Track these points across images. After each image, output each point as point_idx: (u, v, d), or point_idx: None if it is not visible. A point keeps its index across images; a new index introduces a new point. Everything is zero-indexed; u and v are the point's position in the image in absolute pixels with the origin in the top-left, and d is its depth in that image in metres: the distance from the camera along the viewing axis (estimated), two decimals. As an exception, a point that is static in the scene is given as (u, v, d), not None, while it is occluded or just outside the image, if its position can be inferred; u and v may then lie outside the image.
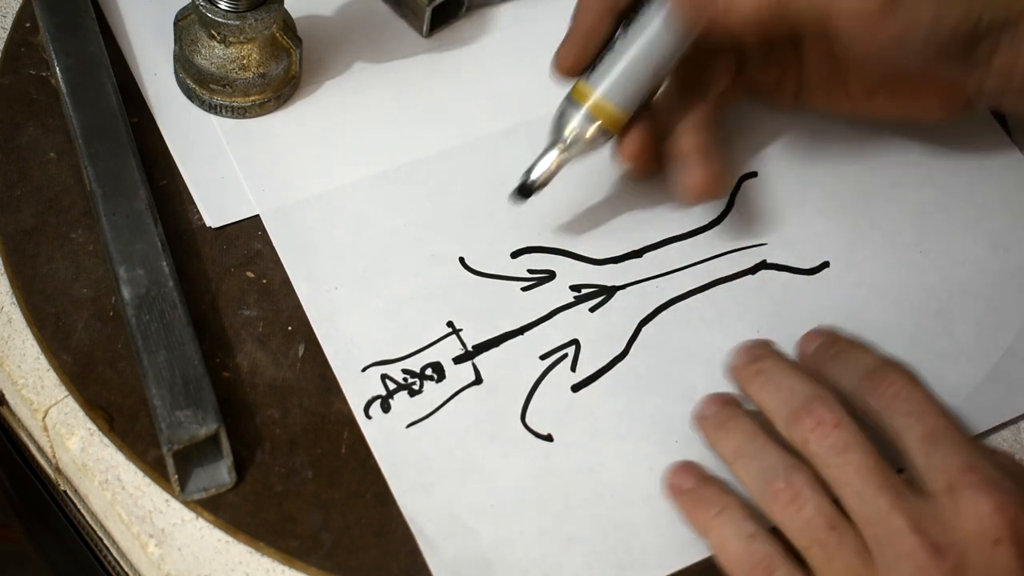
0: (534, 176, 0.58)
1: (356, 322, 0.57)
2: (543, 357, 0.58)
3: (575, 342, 0.58)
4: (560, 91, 0.65)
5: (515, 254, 0.60)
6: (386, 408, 0.56)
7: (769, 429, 0.52)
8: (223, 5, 0.59)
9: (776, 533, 0.51)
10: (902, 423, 0.50)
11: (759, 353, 0.54)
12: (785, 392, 0.51)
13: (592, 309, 0.59)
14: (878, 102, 0.62)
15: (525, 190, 0.58)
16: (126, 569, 0.57)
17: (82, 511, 0.59)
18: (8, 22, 0.64)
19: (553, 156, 0.58)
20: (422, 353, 0.57)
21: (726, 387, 0.57)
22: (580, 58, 0.58)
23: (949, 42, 0.53)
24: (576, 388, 0.57)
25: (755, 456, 0.51)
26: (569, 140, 0.58)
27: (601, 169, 0.63)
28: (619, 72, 0.57)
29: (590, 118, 0.57)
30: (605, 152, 0.63)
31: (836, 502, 0.49)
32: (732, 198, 0.63)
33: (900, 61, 0.55)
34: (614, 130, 0.58)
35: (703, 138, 0.59)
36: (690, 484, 0.53)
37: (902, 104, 0.61)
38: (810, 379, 0.52)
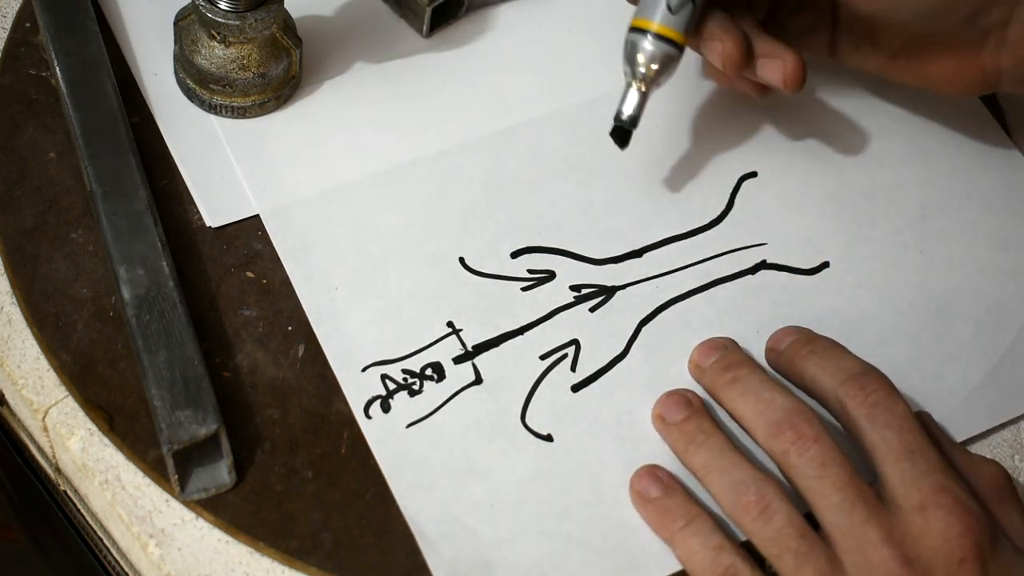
0: (626, 114, 0.57)
1: (356, 322, 0.57)
2: (543, 357, 0.58)
3: (575, 342, 0.58)
4: (558, 91, 0.65)
5: (515, 254, 0.60)
6: (386, 408, 0.56)
7: (735, 440, 0.54)
8: (223, 5, 0.59)
9: (745, 547, 0.52)
10: (881, 435, 0.51)
11: (733, 359, 0.55)
12: (764, 404, 0.52)
13: (592, 309, 0.59)
14: (899, 65, 0.60)
15: (622, 133, 0.58)
16: (126, 569, 0.57)
17: (82, 511, 0.59)
18: (8, 22, 0.64)
19: (634, 90, 0.57)
20: (422, 353, 0.57)
21: (726, 387, 0.57)
22: None
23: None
24: (576, 388, 0.57)
25: (725, 471, 0.52)
26: (644, 68, 0.57)
27: (600, 168, 0.63)
28: None
29: (659, 39, 0.56)
30: (603, 152, 0.63)
31: (806, 516, 0.51)
32: (732, 198, 0.63)
33: (900, 15, 0.55)
34: (683, 41, 0.57)
35: (769, 38, 0.58)
36: (656, 493, 0.53)
37: (921, 71, 0.60)
38: (788, 391, 0.53)
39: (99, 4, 0.64)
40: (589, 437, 0.56)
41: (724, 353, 0.56)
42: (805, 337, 0.56)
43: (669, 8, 0.56)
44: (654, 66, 0.57)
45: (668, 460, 0.55)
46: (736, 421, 0.54)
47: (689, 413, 0.54)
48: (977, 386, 0.58)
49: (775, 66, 0.57)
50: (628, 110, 0.57)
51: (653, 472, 0.54)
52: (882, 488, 0.50)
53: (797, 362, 0.55)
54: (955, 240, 0.62)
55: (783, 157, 0.64)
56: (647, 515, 0.53)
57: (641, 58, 0.57)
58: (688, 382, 0.57)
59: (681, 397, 0.55)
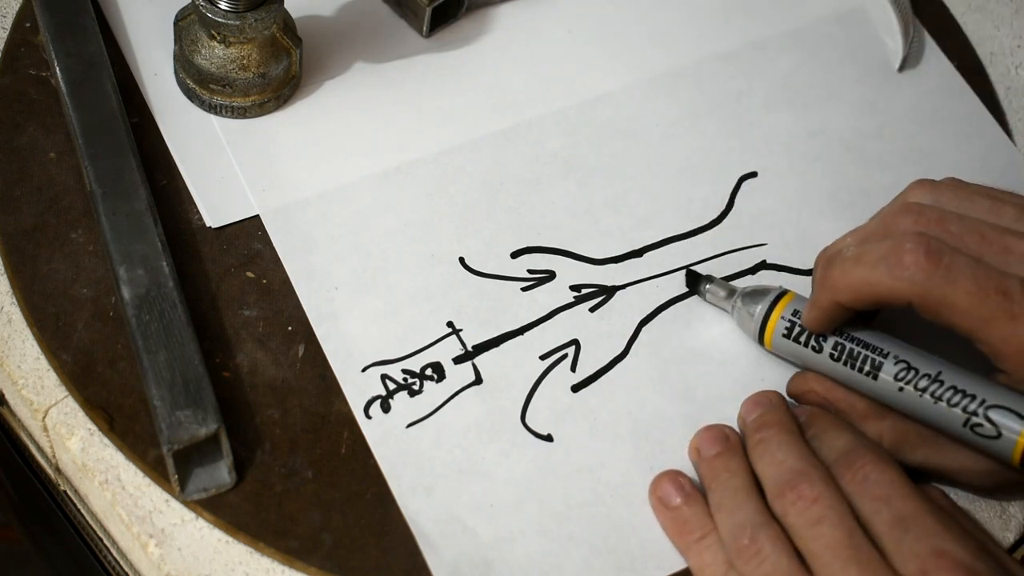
0: (708, 293, 0.59)
1: (356, 322, 0.57)
2: (543, 357, 0.58)
3: (575, 342, 0.58)
4: (558, 91, 0.65)
5: (515, 254, 0.60)
6: (386, 408, 0.56)
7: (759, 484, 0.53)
8: (223, 5, 0.59)
9: None
10: (870, 508, 0.50)
11: (766, 420, 0.54)
12: (776, 466, 0.52)
13: (592, 309, 0.59)
14: None
15: (694, 283, 0.60)
16: (126, 569, 0.57)
17: (82, 511, 0.59)
18: (8, 22, 0.64)
19: (725, 303, 0.58)
20: (422, 353, 0.57)
21: (726, 387, 0.57)
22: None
23: None
24: (576, 388, 0.57)
25: (731, 511, 0.52)
26: (740, 311, 0.57)
27: (601, 168, 0.63)
28: (803, 358, 0.56)
29: (761, 323, 0.56)
30: (603, 152, 0.63)
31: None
32: (732, 198, 0.63)
33: None
34: (767, 344, 0.57)
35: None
36: (676, 501, 0.53)
37: None
38: (801, 453, 0.52)
39: (99, 4, 0.64)
40: (589, 437, 0.56)
41: (762, 412, 0.55)
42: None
43: (815, 348, 0.55)
44: (712, 300, 0.59)
45: (667, 460, 0.55)
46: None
47: (722, 449, 0.54)
48: (977, 386, 0.58)
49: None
50: (709, 296, 0.59)
51: (676, 479, 0.54)
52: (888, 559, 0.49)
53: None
54: (955, 240, 0.62)
55: (783, 157, 0.64)
56: (665, 522, 0.53)
57: (718, 302, 0.58)
58: (688, 382, 0.57)
59: (719, 432, 0.55)
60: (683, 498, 0.53)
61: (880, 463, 0.51)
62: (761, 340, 0.57)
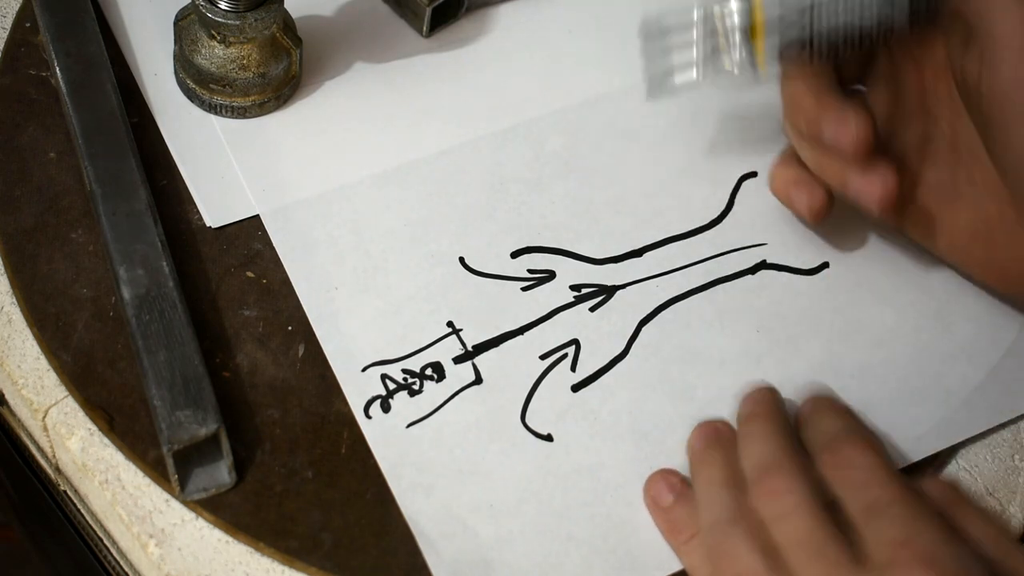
0: (677, 80, 0.54)
1: (356, 322, 0.57)
2: (543, 357, 0.58)
3: (575, 342, 0.58)
4: (558, 91, 0.65)
5: (515, 254, 0.60)
6: (386, 408, 0.56)
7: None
8: (223, 5, 0.59)
9: None
10: (848, 494, 0.50)
11: (752, 412, 0.54)
12: (753, 459, 0.52)
13: (592, 309, 0.59)
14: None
15: (656, 88, 0.55)
16: (126, 569, 0.57)
17: (82, 511, 0.59)
18: (8, 22, 0.64)
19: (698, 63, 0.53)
20: (422, 353, 0.57)
21: (726, 387, 0.57)
22: None
23: None
24: (576, 388, 0.57)
25: (708, 507, 0.52)
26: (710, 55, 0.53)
27: (601, 168, 0.63)
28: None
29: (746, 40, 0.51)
30: (603, 152, 0.63)
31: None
32: (732, 198, 0.63)
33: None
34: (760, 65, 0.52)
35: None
36: (668, 500, 0.53)
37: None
38: (779, 444, 0.52)
39: (99, 4, 0.64)
40: (589, 437, 0.56)
41: (751, 405, 0.55)
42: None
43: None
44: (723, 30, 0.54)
45: (667, 460, 0.55)
46: None
47: (708, 443, 0.54)
48: (977, 386, 0.58)
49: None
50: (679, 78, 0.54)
51: (668, 478, 0.54)
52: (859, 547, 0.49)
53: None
54: (955, 240, 0.62)
55: (783, 157, 0.64)
56: (658, 521, 0.53)
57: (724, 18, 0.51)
58: (688, 382, 0.57)
59: (710, 428, 0.54)
60: (675, 497, 0.53)
61: (865, 450, 0.51)
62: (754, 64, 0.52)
